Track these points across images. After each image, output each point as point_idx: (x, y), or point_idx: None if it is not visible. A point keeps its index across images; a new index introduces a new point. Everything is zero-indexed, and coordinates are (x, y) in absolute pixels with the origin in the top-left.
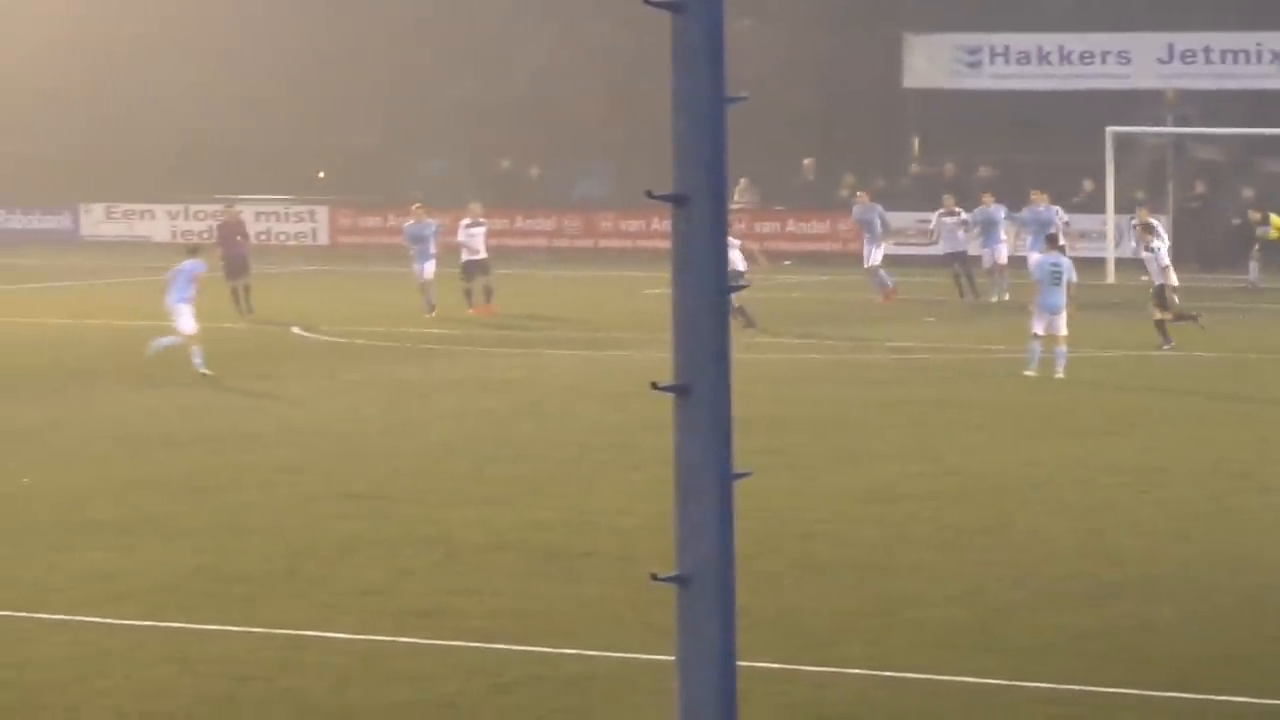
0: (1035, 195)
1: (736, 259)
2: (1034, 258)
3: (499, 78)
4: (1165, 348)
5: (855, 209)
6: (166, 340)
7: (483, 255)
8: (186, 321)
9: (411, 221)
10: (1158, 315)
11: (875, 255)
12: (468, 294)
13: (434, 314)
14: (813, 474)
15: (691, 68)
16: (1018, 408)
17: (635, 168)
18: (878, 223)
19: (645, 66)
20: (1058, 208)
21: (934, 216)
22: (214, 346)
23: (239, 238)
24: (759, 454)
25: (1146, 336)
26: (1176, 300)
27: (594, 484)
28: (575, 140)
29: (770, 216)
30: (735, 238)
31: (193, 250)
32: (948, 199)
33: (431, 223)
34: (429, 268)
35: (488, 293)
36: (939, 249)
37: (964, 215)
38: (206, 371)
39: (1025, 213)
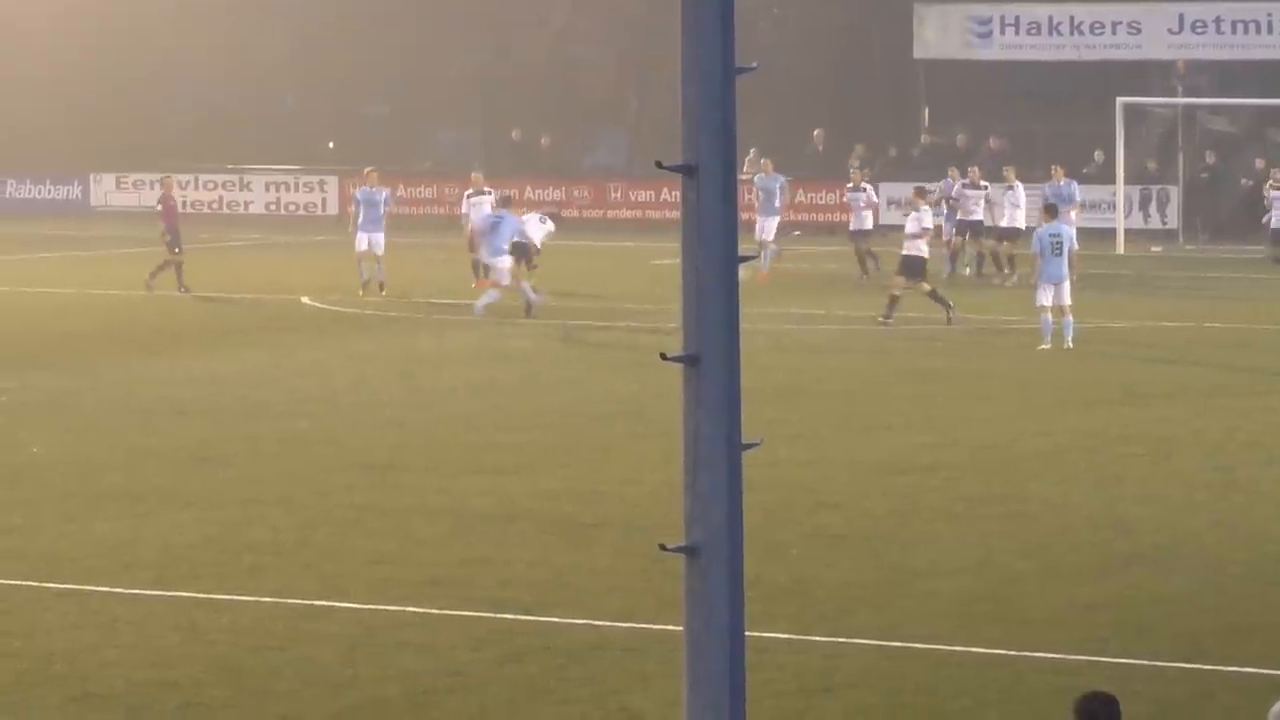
0: (1055, 170)
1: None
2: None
3: (511, 47)
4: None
5: (758, 178)
6: (488, 299)
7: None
8: (505, 274)
9: (366, 187)
10: (927, 288)
11: (769, 228)
12: (476, 267)
13: (383, 292)
14: (823, 445)
15: (701, 37)
16: (1028, 378)
17: (648, 138)
18: (778, 194)
19: (658, 36)
20: (1075, 181)
21: (955, 186)
22: (222, 318)
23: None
24: (769, 424)
25: (1158, 307)
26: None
27: (604, 454)
28: (588, 110)
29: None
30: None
31: (505, 202)
32: (973, 171)
33: (384, 191)
34: (378, 239)
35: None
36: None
37: (988, 188)
38: (536, 298)
39: (1045, 188)
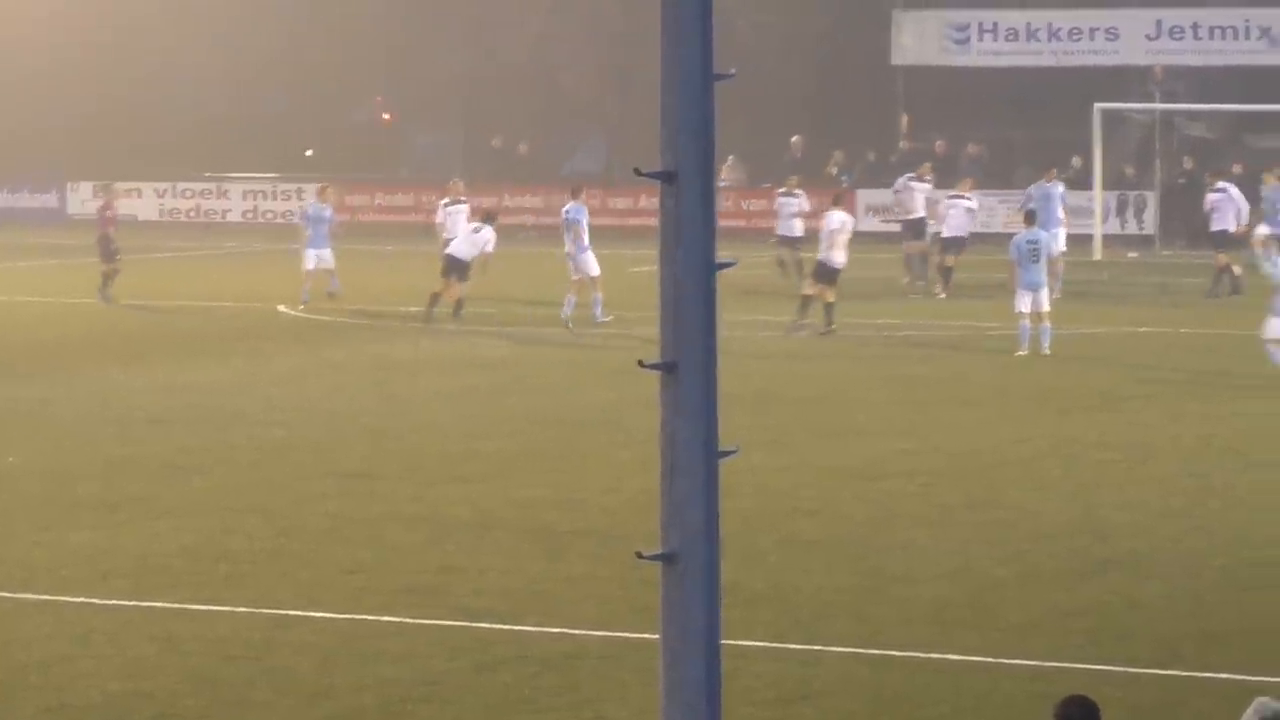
0: (1048, 174)
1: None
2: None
3: (490, 53)
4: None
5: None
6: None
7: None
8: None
9: (315, 202)
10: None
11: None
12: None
13: (335, 300)
14: (800, 451)
15: (680, 44)
16: (1006, 385)
17: (627, 144)
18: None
19: (638, 42)
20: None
21: (901, 180)
22: (199, 327)
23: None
24: (746, 431)
25: (1134, 313)
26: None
27: (582, 462)
28: (568, 116)
29: (757, 194)
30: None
31: (487, 216)
32: (964, 181)
33: (329, 207)
34: (326, 255)
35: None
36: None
37: (973, 202)
38: (605, 319)
39: (1032, 188)
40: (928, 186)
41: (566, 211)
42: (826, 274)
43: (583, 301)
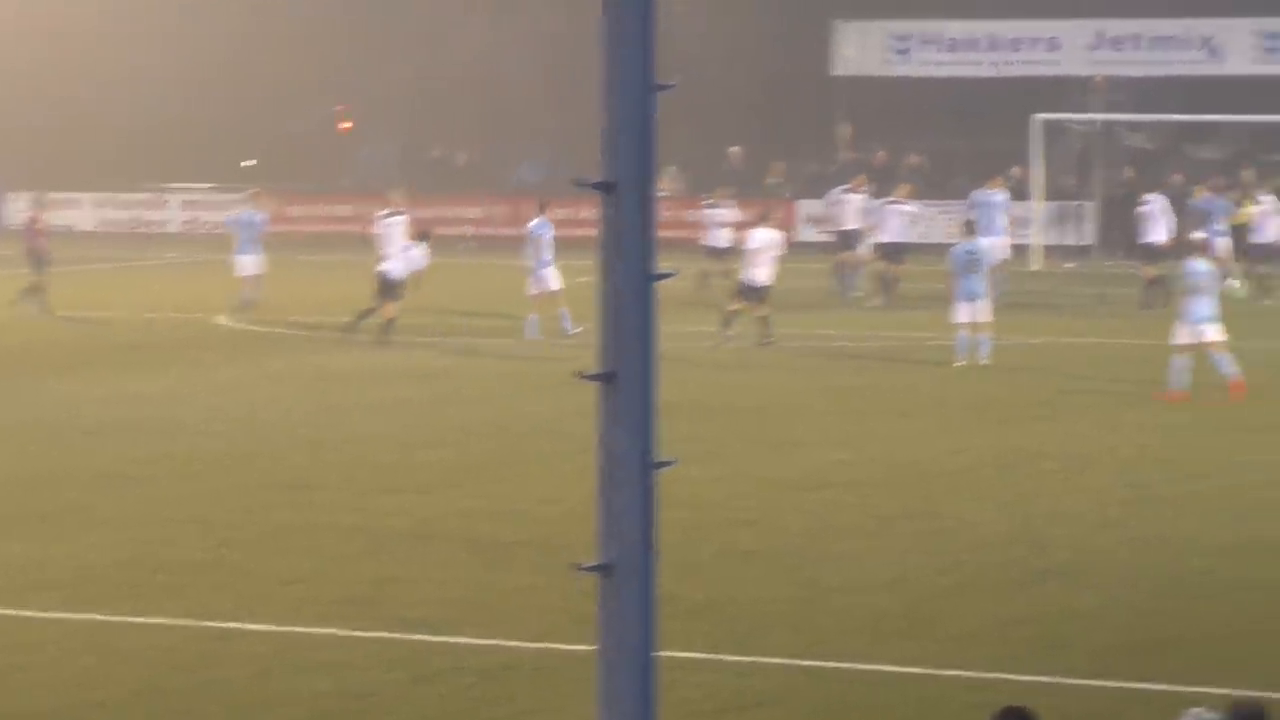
0: (992, 181)
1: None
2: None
3: (433, 64)
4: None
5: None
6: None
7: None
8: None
9: (248, 209)
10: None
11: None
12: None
13: (249, 311)
14: (739, 462)
15: (621, 54)
16: (944, 395)
17: (571, 155)
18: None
19: (581, 52)
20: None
21: (833, 193)
22: (137, 336)
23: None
24: (685, 442)
25: (1073, 324)
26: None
27: (522, 473)
28: (511, 127)
29: (699, 204)
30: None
31: (542, 207)
32: (902, 187)
33: (262, 213)
34: (257, 261)
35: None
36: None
37: (911, 208)
38: (576, 330)
39: (974, 194)
40: (860, 199)
41: (532, 227)
42: (749, 293)
43: (548, 315)
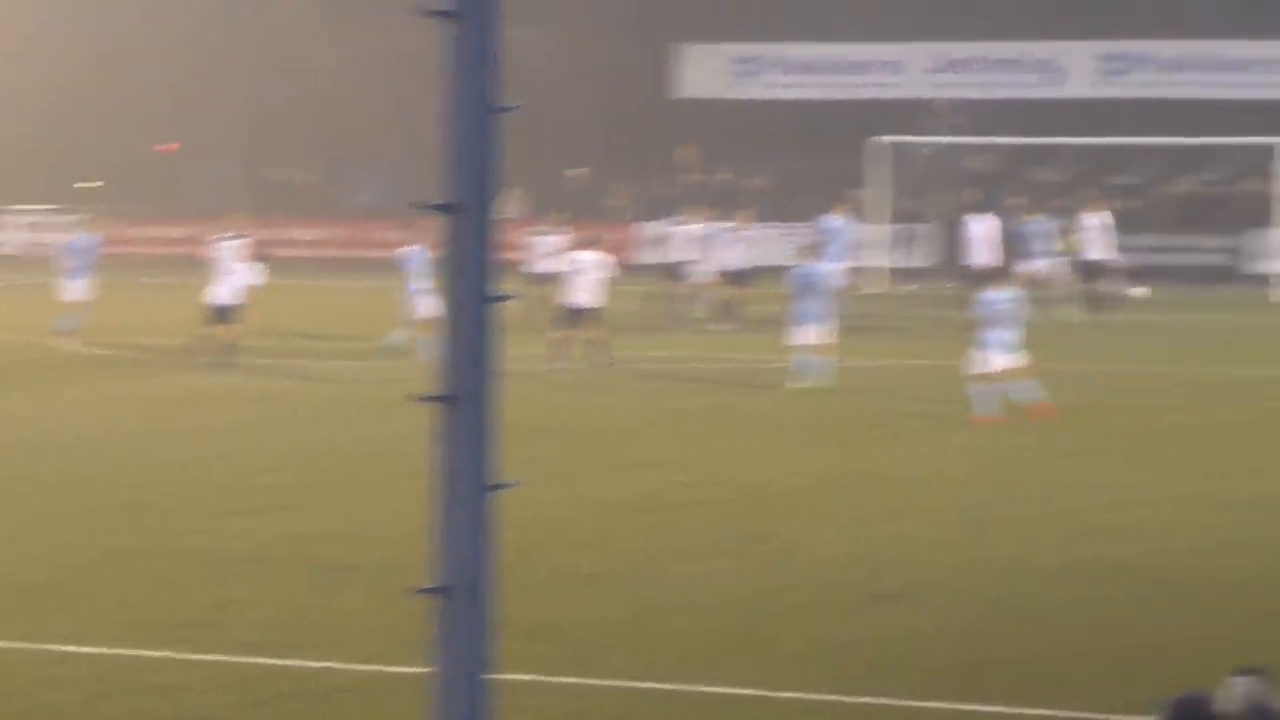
0: (838, 207)
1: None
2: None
3: (277, 86)
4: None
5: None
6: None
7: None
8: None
9: (82, 233)
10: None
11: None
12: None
13: (73, 336)
14: (578, 484)
15: (463, 77)
16: (783, 417)
17: (415, 176)
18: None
19: (425, 74)
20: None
21: (661, 225)
22: None
23: None
24: (523, 464)
25: (912, 346)
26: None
27: (361, 495)
28: (353, 148)
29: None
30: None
31: (412, 233)
32: (742, 213)
33: (95, 237)
34: (84, 286)
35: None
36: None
37: (752, 233)
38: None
39: (819, 220)
40: (697, 229)
41: (400, 254)
42: (569, 316)
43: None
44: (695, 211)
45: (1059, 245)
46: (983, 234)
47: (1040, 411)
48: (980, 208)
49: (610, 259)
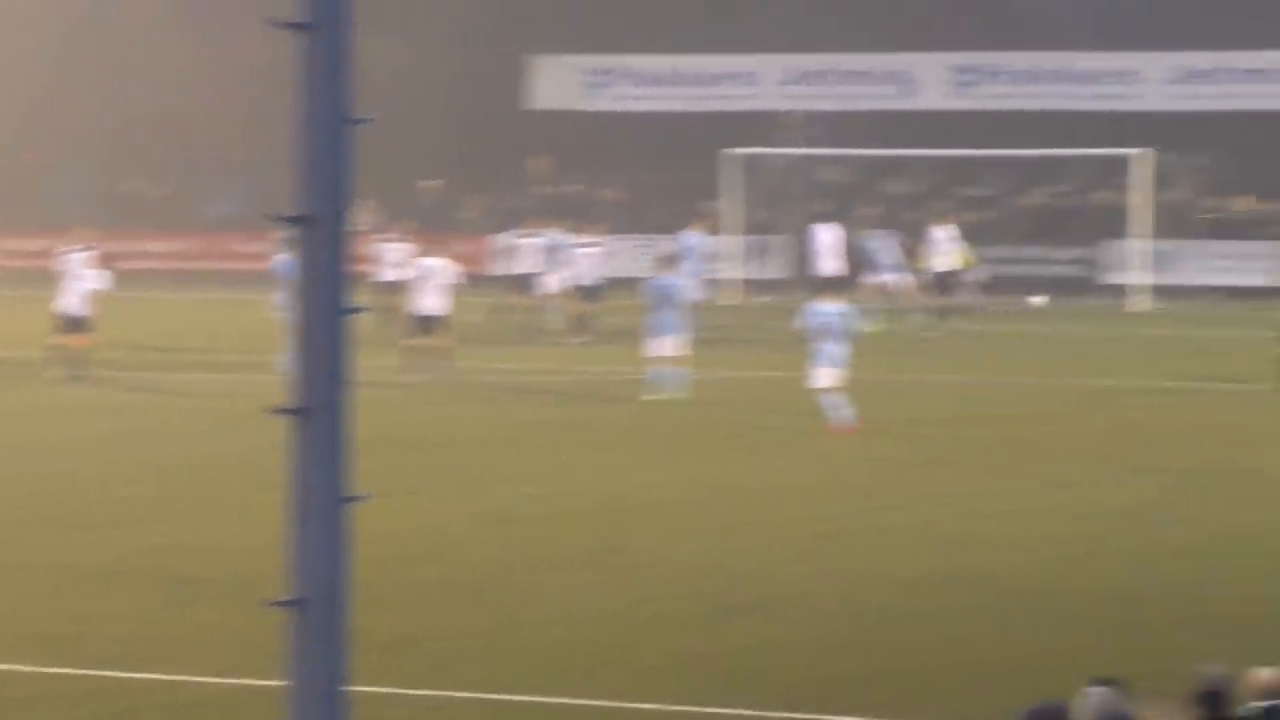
0: (694, 223)
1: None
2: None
3: (129, 96)
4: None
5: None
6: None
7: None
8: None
9: None
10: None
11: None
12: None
13: None
14: (434, 496)
15: (317, 88)
16: (639, 429)
17: (270, 188)
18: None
19: (278, 85)
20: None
21: (504, 237)
22: None
23: None
24: (378, 476)
25: (766, 358)
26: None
27: (217, 508)
28: (206, 160)
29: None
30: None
31: (287, 245)
32: (593, 227)
33: None
34: None
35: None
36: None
37: (604, 247)
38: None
39: (680, 235)
40: (543, 240)
41: (277, 264)
42: (417, 323)
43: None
44: (542, 223)
45: (909, 259)
46: (830, 245)
47: (844, 430)
48: (829, 219)
49: (456, 266)
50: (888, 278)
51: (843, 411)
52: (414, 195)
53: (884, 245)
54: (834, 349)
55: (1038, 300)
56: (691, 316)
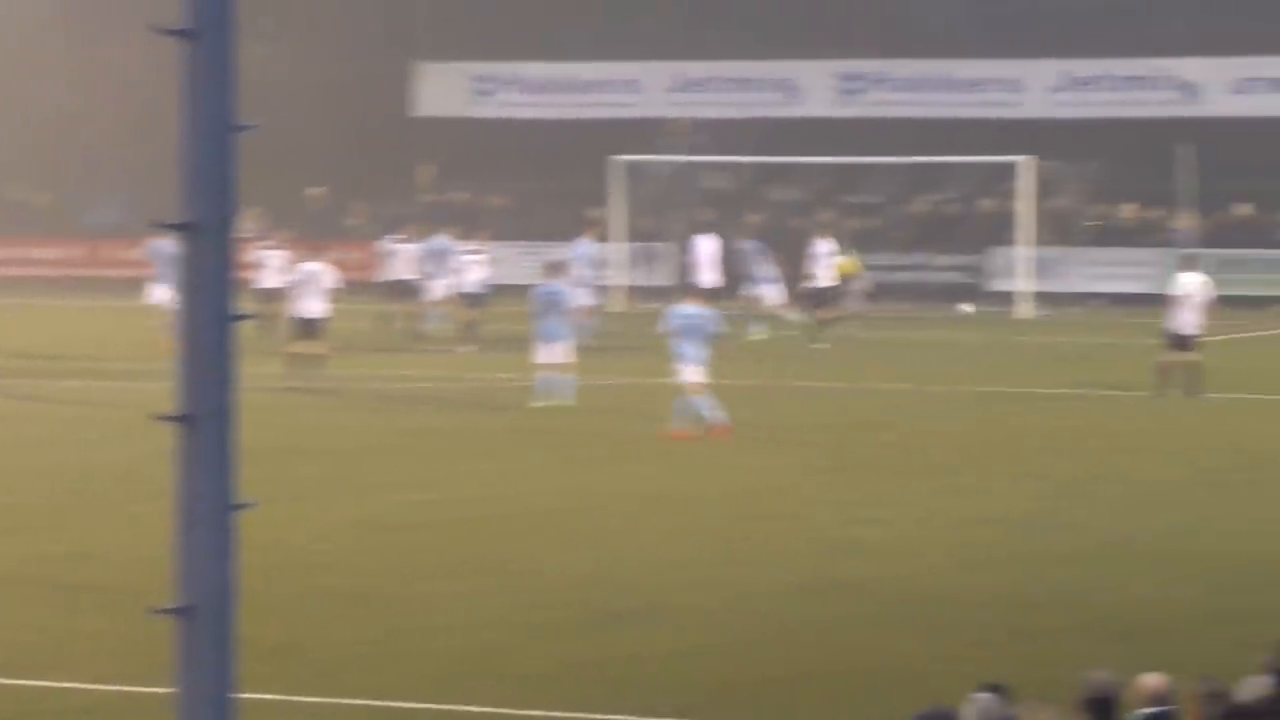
0: (587, 230)
1: None
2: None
3: (10, 102)
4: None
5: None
6: None
7: None
8: None
9: None
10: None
11: None
12: None
13: None
14: (320, 504)
15: (201, 95)
16: (527, 436)
17: (153, 195)
18: None
19: (163, 92)
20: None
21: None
22: None
23: None
24: (264, 484)
25: (652, 364)
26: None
27: (101, 516)
28: (90, 167)
29: (289, 245)
30: None
31: None
32: (479, 234)
33: None
34: None
35: None
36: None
37: (487, 254)
38: None
39: (575, 244)
40: (423, 247)
41: (152, 250)
42: (299, 328)
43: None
44: (425, 229)
45: (787, 269)
46: (709, 256)
47: (718, 431)
48: (713, 227)
49: (336, 271)
50: (763, 287)
51: (708, 412)
52: (301, 202)
53: (756, 254)
54: (695, 350)
55: (966, 308)
56: (584, 324)
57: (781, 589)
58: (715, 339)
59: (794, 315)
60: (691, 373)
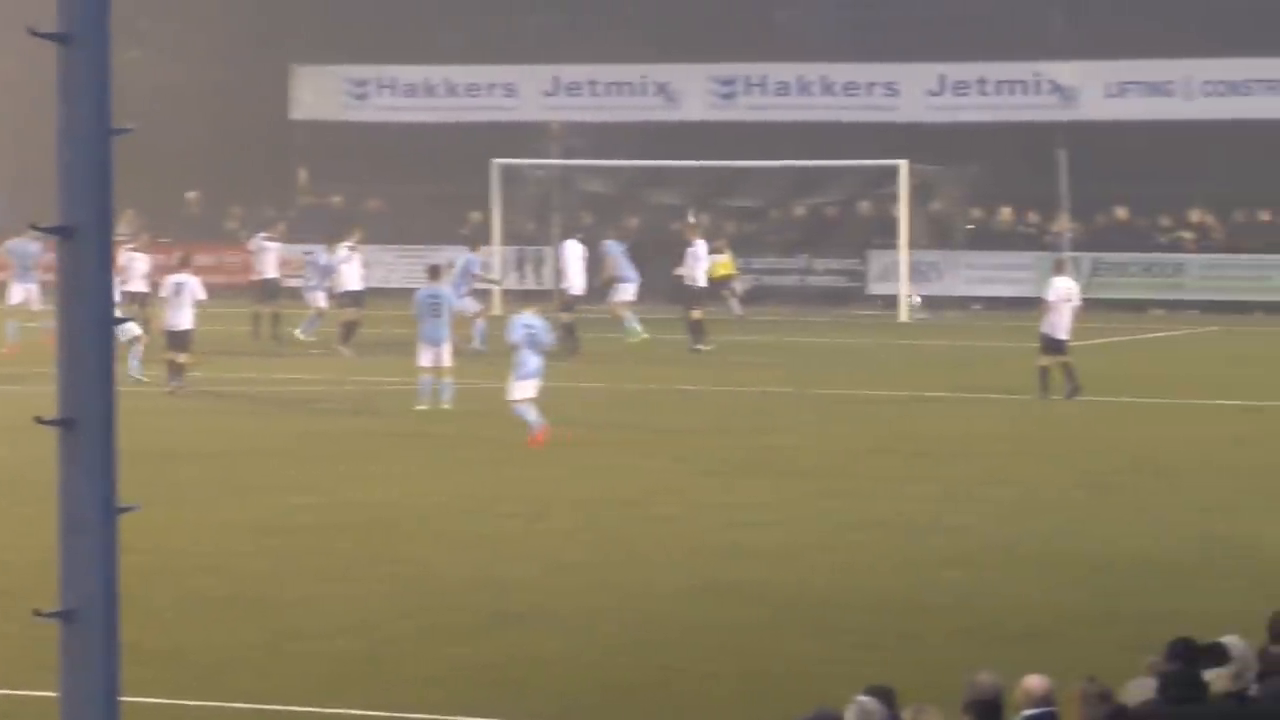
0: (475, 246)
1: None
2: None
3: None
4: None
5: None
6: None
7: None
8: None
9: None
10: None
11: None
12: None
13: None
14: (202, 507)
15: (77, 99)
16: (409, 439)
17: (27, 200)
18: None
19: (39, 96)
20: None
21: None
22: None
23: None
24: (146, 487)
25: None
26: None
27: None
28: None
29: (156, 249)
30: None
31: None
32: (352, 233)
33: None
34: None
35: None
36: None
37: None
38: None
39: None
40: (278, 245)
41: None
42: (171, 339)
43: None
44: (294, 229)
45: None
46: (576, 261)
47: (539, 439)
48: (591, 230)
49: (197, 281)
50: (622, 287)
51: (533, 419)
52: (179, 205)
53: (619, 255)
54: (532, 360)
55: (914, 300)
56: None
57: (669, 592)
58: (547, 349)
59: (632, 319)
60: (526, 385)
